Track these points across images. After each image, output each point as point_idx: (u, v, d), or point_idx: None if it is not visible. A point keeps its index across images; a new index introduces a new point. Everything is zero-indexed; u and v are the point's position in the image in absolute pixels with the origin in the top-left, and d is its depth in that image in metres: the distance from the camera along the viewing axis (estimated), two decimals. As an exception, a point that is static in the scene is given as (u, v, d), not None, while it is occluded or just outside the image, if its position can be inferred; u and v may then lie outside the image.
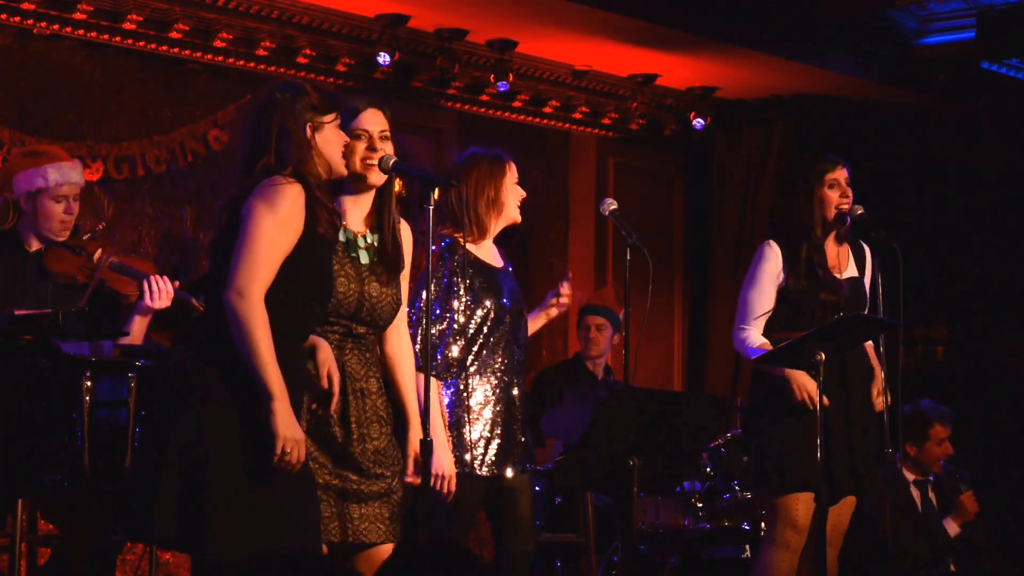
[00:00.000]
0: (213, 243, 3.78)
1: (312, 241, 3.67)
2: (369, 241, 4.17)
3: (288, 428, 3.56)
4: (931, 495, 6.88)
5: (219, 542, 3.53)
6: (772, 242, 5.17)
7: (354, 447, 4.04)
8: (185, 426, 3.57)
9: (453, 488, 4.56)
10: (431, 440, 4.20)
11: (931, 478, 6.88)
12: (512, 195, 4.80)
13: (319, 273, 3.74)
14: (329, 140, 3.77)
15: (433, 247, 4.56)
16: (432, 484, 4.53)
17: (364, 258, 4.13)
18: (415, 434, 4.26)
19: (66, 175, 5.04)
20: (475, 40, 7.56)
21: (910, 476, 6.86)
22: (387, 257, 4.17)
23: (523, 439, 4.79)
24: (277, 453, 3.54)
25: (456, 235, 4.71)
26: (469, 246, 4.70)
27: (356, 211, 4.17)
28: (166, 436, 3.59)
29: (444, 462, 4.56)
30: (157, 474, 3.58)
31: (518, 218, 4.84)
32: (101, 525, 4.63)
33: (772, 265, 5.12)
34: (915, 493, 6.85)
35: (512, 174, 4.82)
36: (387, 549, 4.11)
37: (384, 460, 4.11)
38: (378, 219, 4.20)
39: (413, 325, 4.63)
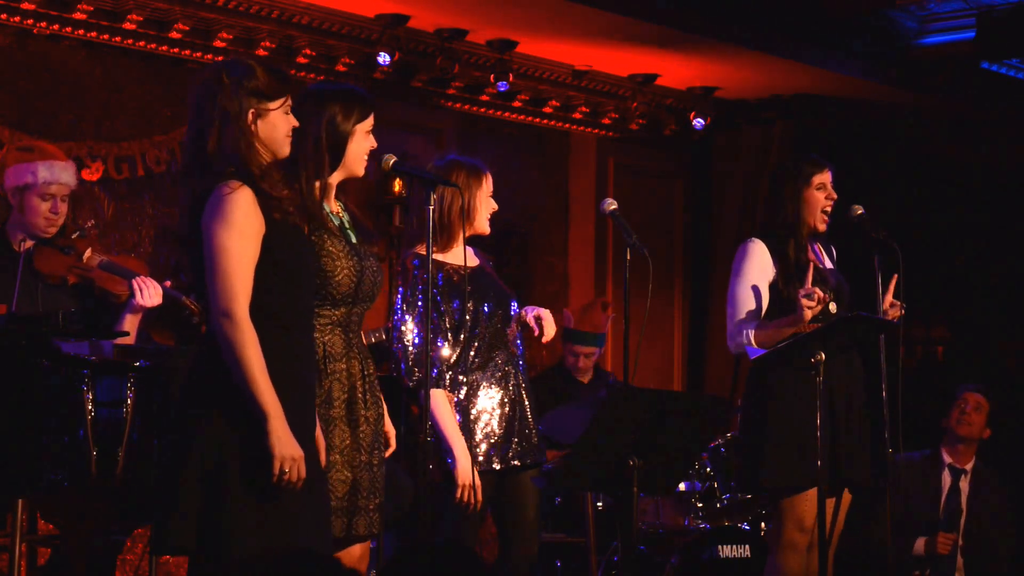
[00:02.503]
0: (177, 259, 3.73)
1: (276, 230, 3.63)
2: (347, 218, 4.19)
3: (285, 447, 3.53)
4: (963, 485, 6.89)
5: (241, 550, 3.51)
6: (756, 239, 5.17)
7: (368, 429, 4.07)
8: (203, 436, 3.56)
9: (478, 499, 4.57)
10: (431, 441, 4.21)
11: (966, 470, 6.90)
12: (484, 207, 4.79)
13: (296, 255, 3.70)
14: (274, 126, 3.68)
15: (407, 266, 4.58)
16: (459, 495, 4.54)
17: (353, 236, 4.15)
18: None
19: (56, 174, 5.02)
20: (475, 40, 7.56)
21: (947, 459, 6.90)
22: (364, 230, 4.21)
23: (531, 431, 4.79)
24: (275, 473, 3.52)
25: (423, 250, 4.66)
26: (439, 255, 4.69)
27: (333, 191, 4.18)
28: (185, 447, 3.58)
29: (470, 473, 4.57)
30: (177, 485, 3.56)
31: (487, 230, 4.83)
32: (101, 525, 4.63)
33: (759, 261, 5.13)
34: (946, 479, 6.87)
35: (487, 186, 4.81)
36: (364, 546, 4.13)
37: (384, 444, 4.15)
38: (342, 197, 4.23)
39: (401, 341, 4.61)
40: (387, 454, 4.24)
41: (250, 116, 3.65)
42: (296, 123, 3.75)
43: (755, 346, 5.06)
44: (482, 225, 4.80)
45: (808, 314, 4.93)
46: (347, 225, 4.16)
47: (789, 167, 5.25)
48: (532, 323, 4.82)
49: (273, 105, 3.68)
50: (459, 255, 4.72)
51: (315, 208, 4.01)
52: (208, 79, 3.66)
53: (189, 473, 3.56)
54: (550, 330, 4.86)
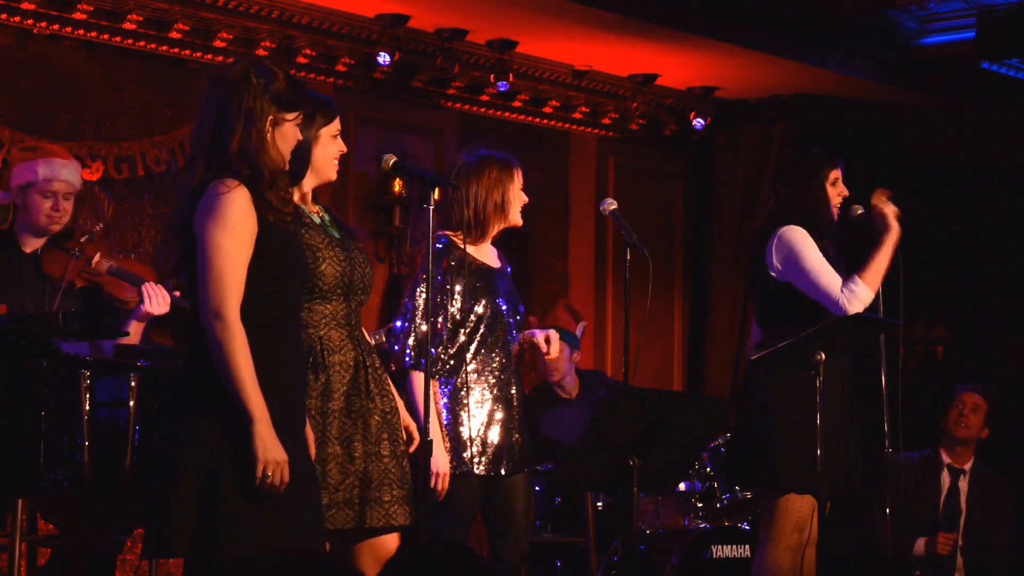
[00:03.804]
0: (177, 258, 3.71)
1: (268, 231, 3.63)
2: (327, 218, 4.21)
3: (269, 451, 3.52)
4: (962, 485, 6.89)
5: (235, 549, 3.52)
6: (797, 226, 5.09)
7: (373, 420, 4.07)
8: (197, 437, 3.56)
9: (446, 486, 4.58)
10: (431, 440, 4.21)
11: (965, 470, 6.90)
12: (517, 200, 4.83)
13: (287, 255, 3.70)
14: (285, 137, 3.69)
15: (433, 246, 4.58)
16: (433, 484, 4.55)
17: (336, 233, 4.17)
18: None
19: (56, 172, 5.03)
20: (475, 40, 7.57)
21: (946, 459, 6.90)
22: (345, 227, 4.24)
23: (520, 437, 4.80)
24: (258, 476, 3.51)
25: (453, 236, 4.72)
26: (468, 248, 4.71)
27: (308, 196, 4.20)
28: (179, 449, 3.57)
29: (440, 460, 4.58)
30: (171, 488, 3.56)
31: (519, 222, 4.87)
32: (101, 525, 4.63)
33: (813, 241, 5.07)
34: (945, 479, 6.87)
35: (519, 180, 4.86)
36: (395, 537, 4.13)
37: (402, 436, 4.15)
38: (315, 197, 4.25)
39: (405, 319, 4.64)
40: (411, 449, 4.25)
41: (268, 122, 3.65)
42: (301, 138, 3.76)
43: (869, 290, 4.99)
44: (515, 218, 4.84)
45: (895, 222, 5.02)
46: (327, 223, 4.19)
47: (806, 162, 5.20)
48: (542, 344, 4.86)
49: (289, 116, 3.69)
50: (485, 251, 4.78)
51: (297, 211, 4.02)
52: (235, 77, 3.64)
53: (183, 476, 3.55)
54: (555, 350, 4.91)
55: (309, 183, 4.17)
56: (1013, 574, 6.93)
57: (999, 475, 7.02)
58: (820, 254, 5.04)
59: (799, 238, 5.07)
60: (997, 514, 6.92)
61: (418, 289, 4.64)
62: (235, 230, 3.56)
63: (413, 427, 4.31)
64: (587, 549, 6.40)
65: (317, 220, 4.15)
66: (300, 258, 3.80)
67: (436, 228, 4.72)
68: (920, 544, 6.77)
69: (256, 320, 3.58)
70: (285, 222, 3.68)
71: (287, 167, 3.74)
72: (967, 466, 6.92)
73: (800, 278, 5.05)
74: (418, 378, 4.58)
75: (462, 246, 4.71)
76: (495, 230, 4.82)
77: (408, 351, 4.62)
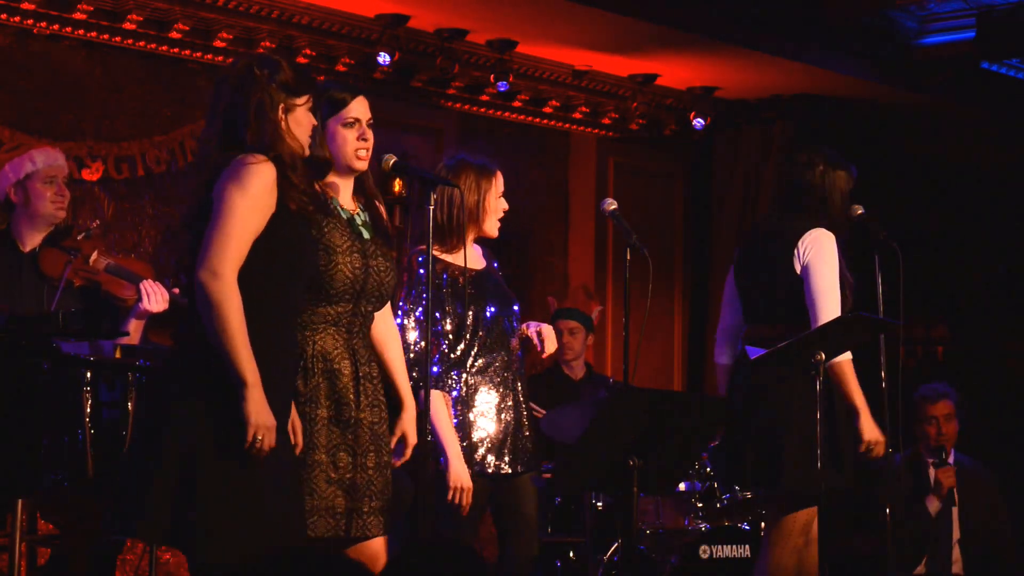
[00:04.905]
0: (186, 227, 3.72)
1: (285, 218, 3.63)
2: (364, 217, 4.17)
3: (259, 415, 3.52)
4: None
5: (210, 543, 3.52)
6: (831, 232, 5.04)
7: (363, 431, 4.05)
8: (176, 426, 3.55)
9: (470, 500, 4.56)
10: (429, 440, 4.20)
11: (949, 462, 6.92)
12: (493, 209, 4.75)
13: (295, 248, 3.70)
14: (299, 122, 3.72)
15: (412, 265, 4.56)
16: (451, 498, 4.53)
17: (365, 234, 4.14)
18: (409, 414, 4.24)
19: (53, 158, 5.14)
20: (475, 40, 7.56)
21: (929, 459, 6.93)
22: (382, 230, 4.19)
23: (529, 434, 4.78)
24: (248, 440, 3.51)
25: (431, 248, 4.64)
26: (445, 255, 4.67)
27: (344, 190, 4.17)
28: (158, 436, 3.57)
29: (463, 475, 4.56)
30: (149, 474, 3.55)
31: (495, 233, 4.78)
32: (101, 525, 4.64)
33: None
34: (932, 473, 6.90)
35: (498, 186, 4.76)
36: (381, 541, 4.12)
37: (386, 447, 4.12)
38: (364, 195, 4.21)
39: (405, 341, 4.60)
40: (397, 463, 4.22)
41: (280, 110, 3.68)
42: (316, 122, 3.78)
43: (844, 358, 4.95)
44: (491, 228, 4.76)
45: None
46: (361, 223, 4.16)
47: (834, 161, 5.14)
48: (534, 337, 4.82)
49: (299, 101, 3.72)
50: (466, 256, 4.71)
51: (323, 202, 4.01)
52: (238, 73, 3.68)
53: (163, 464, 3.54)
54: (551, 345, 4.85)
55: (334, 177, 4.13)
56: (1011, 565, 6.95)
57: (983, 465, 7.04)
58: (838, 273, 4.99)
59: (831, 245, 5.00)
60: (989, 503, 6.96)
61: (408, 308, 4.60)
62: (254, 198, 3.57)
63: (410, 444, 4.26)
64: (587, 549, 6.40)
65: (346, 216, 4.10)
66: (308, 256, 3.79)
67: (411, 244, 4.69)
68: (932, 500, 6.78)
69: (252, 314, 3.57)
70: (308, 210, 3.69)
71: (307, 152, 3.75)
72: (950, 459, 6.96)
73: (808, 284, 5.00)
74: (434, 397, 4.57)
75: (442, 257, 4.66)
76: (470, 237, 4.75)
77: (409, 371, 4.58)
